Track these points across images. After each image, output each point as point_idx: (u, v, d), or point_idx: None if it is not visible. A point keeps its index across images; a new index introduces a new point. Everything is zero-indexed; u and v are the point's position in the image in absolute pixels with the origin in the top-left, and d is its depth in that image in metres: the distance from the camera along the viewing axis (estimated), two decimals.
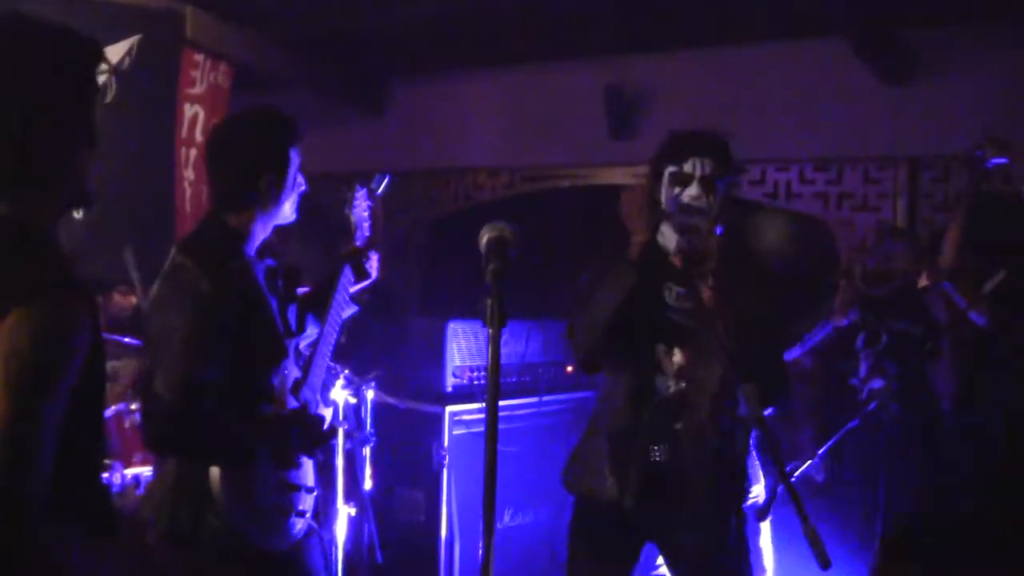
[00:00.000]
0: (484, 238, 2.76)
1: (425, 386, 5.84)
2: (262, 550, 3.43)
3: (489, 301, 2.57)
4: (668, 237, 3.74)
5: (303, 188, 3.60)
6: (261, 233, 3.54)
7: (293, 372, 3.62)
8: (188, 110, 7.52)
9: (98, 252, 6.48)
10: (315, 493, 3.66)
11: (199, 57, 7.53)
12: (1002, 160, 4.66)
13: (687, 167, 3.70)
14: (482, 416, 5.67)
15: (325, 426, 3.64)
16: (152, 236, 7.22)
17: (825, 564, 2.95)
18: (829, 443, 4.61)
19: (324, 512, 3.80)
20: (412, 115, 8.92)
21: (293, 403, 3.58)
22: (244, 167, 3.47)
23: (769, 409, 3.74)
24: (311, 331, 3.73)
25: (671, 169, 3.72)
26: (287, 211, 3.58)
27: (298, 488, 3.55)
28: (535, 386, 6.11)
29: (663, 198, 3.75)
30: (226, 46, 7.66)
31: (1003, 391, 4.91)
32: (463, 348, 5.84)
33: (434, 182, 8.79)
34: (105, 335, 5.53)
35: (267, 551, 3.45)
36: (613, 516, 3.77)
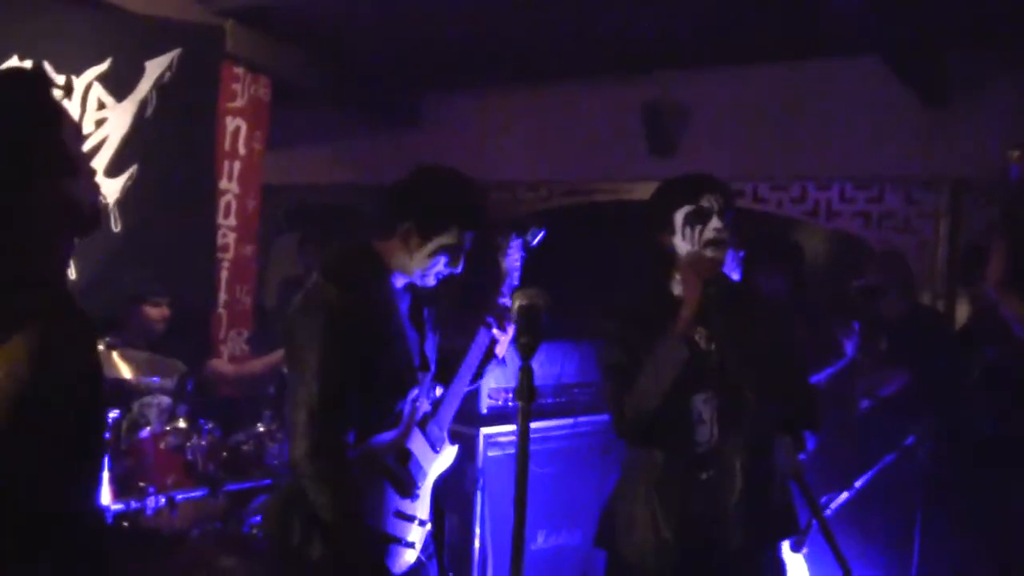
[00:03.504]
0: (516, 305, 2.76)
1: (461, 407, 5.81)
2: (380, 570, 3.48)
3: (520, 376, 2.58)
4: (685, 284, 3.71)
5: (456, 270, 3.61)
6: (400, 277, 3.60)
7: (424, 405, 3.68)
8: (230, 123, 7.57)
9: (135, 265, 6.53)
10: (427, 527, 3.68)
11: (239, 70, 7.57)
12: (1017, 167, 4.57)
13: (704, 203, 3.66)
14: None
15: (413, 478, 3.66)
16: (192, 250, 7.29)
17: None
18: (867, 476, 4.58)
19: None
20: (449, 128, 8.92)
21: (419, 435, 3.65)
22: (397, 204, 3.56)
23: (809, 445, 3.71)
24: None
25: (687, 210, 3.66)
26: (420, 271, 3.58)
27: (411, 519, 3.58)
28: (570, 407, 6.07)
29: (680, 241, 3.71)
30: (265, 60, 7.71)
31: None
32: (498, 370, 5.80)
33: None
34: (141, 352, 5.63)
35: (387, 571, 3.50)
36: (652, 573, 3.72)
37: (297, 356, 3.37)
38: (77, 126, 2.51)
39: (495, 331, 3.89)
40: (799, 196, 7.38)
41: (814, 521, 3.58)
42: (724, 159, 7.48)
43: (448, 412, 3.80)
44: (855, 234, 7.20)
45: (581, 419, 6.05)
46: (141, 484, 4.94)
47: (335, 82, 8.46)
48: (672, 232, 3.72)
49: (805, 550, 4.13)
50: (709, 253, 3.64)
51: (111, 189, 6.63)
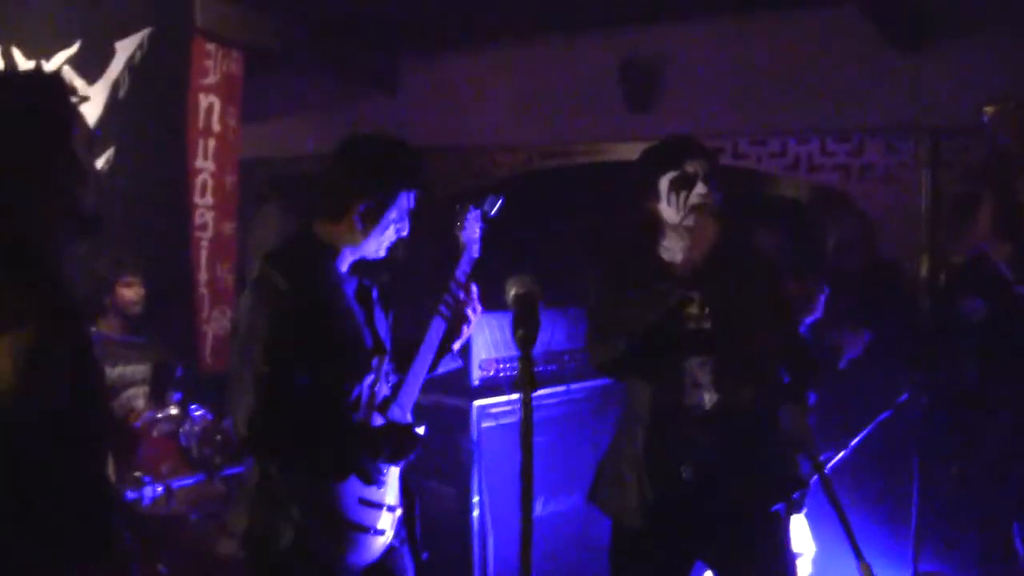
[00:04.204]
0: (511, 293, 2.75)
1: (452, 380, 5.80)
2: (337, 566, 3.43)
3: (520, 366, 2.59)
4: (674, 249, 3.72)
5: (404, 233, 3.55)
6: (349, 256, 3.53)
7: (383, 390, 3.60)
8: (203, 100, 7.49)
9: (111, 248, 6.49)
10: (397, 512, 3.62)
11: (211, 46, 7.49)
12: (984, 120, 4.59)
13: (689, 168, 3.67)
14: (511, 408, 5.68)
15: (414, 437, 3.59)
16: (168, 229, 7.24)
17: None
18: (862, 434, 4.61)
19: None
20: (426, 92, 8.89)
21: (379, 420, 3.56)
22: (346, 186, 3.46)
23: (810, 400, 3.74)
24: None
25: (672, 175, 3.69)
26: (374, 247, 3.53)
27: (378, 506, 3.51)
28: (561, 374, 6.09)
29: (665, 207, 3.71)
30: (237, 31, 7.63)
31: None
32: (488, 340, 5.79)
33: (450, 160, 8.72)
34: (120, 338, 5.61)
35: (342, 568, 3.45)
36: (652, 538, 3.73)
37: (244, 346, 3.31)
38: (89, 132, 2.52)
39: (450, 317, 3.78)
40: (780, 151, 7.36)
41: (814, 479, 3.61)
42: (703, 115, 7.48)
43: (411, 394, 3.67)
44: (836, 187, 7.19)
45: (573, 386, 6.07)
46: (137, 474, 4.92)
47: (309, 50, 8.37)
48: (657, 198, 3.72)
49: (804, 510, 4.15)
50: (692, 220, 3.65)
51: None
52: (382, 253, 3.57)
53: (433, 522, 5.70)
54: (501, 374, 5.83)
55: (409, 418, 3.67)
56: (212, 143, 7.55)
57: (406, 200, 3.51)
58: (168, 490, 4.95)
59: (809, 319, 5.51)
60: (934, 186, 6.71)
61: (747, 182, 7.74)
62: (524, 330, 2.70)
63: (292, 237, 3.60)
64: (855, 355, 5.71)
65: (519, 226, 7.93)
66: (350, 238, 3.48)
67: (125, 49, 6.78)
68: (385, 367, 3.61)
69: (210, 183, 7.56)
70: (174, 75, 7.22)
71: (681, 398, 3.68)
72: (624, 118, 7.86)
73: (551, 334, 6.06)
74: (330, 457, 3.39)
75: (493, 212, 3.89)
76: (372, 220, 3.45)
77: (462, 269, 3.80)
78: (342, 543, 3.43)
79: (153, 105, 6.97)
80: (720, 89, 7.45)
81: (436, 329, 3.72)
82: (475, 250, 3.82)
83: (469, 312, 3.80)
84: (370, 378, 3.52)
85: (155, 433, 5.20)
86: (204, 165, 7.50)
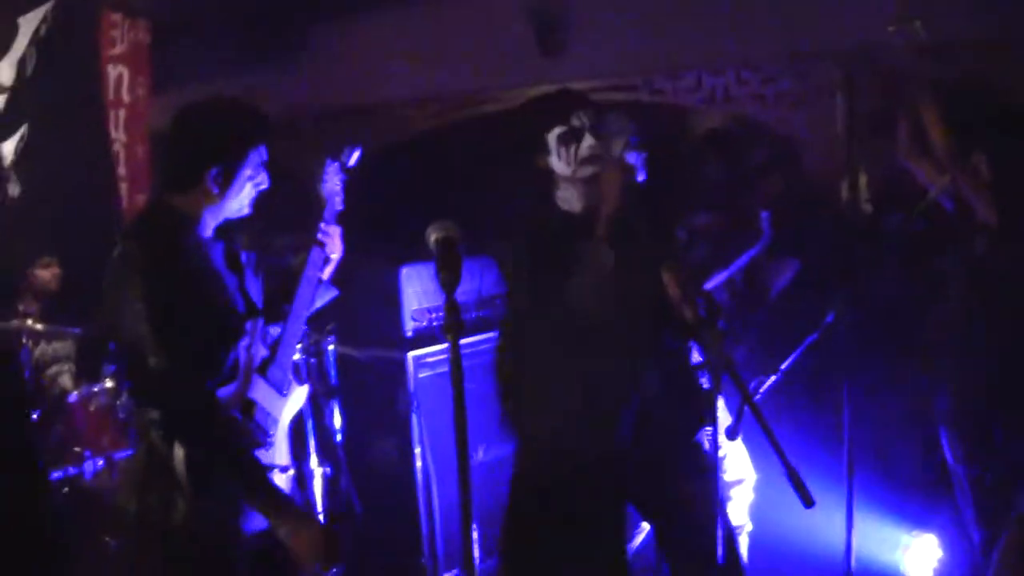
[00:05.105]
0: (431, 238, 2.77)
1: (385, 333, 5.82)
2: (235, 532, 3.39)
3: (445, 310, 2.62)
4: (570, 199, 3.75)
5: (264, 186, 3.51)
6: (212, 220, 3.47)
7: (260, 351, 3.57)
8: (112, 71, 7.41)
9: (31, 226, 6.43)
10: (290, 472, 3.61)
11: (117, 16, 7.39)
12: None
13: (575, 122, 3.71)
14: (446, 356, 5.69)
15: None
16: (90, 203, 7.15)
17: (808, 503, 3.03)
18: (791, 358, 4.67)
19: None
20: (336, 55, 8.81)
21: (260, 382, 3.54)
22: (193, 154, 3.39)
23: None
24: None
25: (558, 132, 3.72)
26: (235, 206, 3.48)
27: (268, 468, 3.48)
28: (494, 318, 6.12)
29: (555, 161, 3.74)
30: (143, 2, 7.53)
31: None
32: (419, 291, 5.80)
33: (361, 120, 8.67)
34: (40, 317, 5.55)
35: (241, 533, 3.41)
36: (581, 466, 3.78)
37: (126, 328, 3.24)
38: None
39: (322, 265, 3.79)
40: (695, 84, 7.41)
41: (746, 408, 3.66)
42: (614, 54, 7.48)
43: (288, 351, 3.65)
44: (754, 116, 7.25)
45: None
46: (76, 449, 4.90)
47: (213, 18, 8.26)
48: (547, 152, 3.75)
49: (740, 436, 4.22)
50: (585, 171, 3.68)
51: (4, 152, 6.48)
52: (246, 210, 3.53)
53: (376, 473, 5.78)
54: (434, 323, 5.84)
55: (290, 377, 3.66)
56: (122, 114, 7.47)
57: (258, 155, 3.47)
58: (110, 462, 4.95)
59: (759, 245, 5.58)
60: (849, 108, 6.77)
61: (667, 117, 7.79)
62: (447, 272, 2.73)
63: (147, 210, 3.56)
64: (783, 286, 5.79)
65: (438, 178, 7.97)
66: (208, 202, 3.42)
67: (29, 24, 6.67)
68: (260, 328, 3.60)
69: (122, 154, 7.48)
70: (81, 47, 7.12)
71: (593, 342, 3.73)
72: (536, 62, 7.83)
73: (480, 280, 6.07)
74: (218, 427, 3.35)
75: (352, 163, 3.90)
76: (227, 182, 3.41)
77: (326, 223, 3.81)
78: (238, 509, 3.39)
79: (62, 78, 6.87)
80: (630, 28, 7.45)
81: (307, 284, 3.73)
82: (337, 203, 3.82)
83: (331, 253, 3.83)
84: (245, 341, 3.50)
85: (92, 407, 5.18)
86: (116, 136, 7.43)
